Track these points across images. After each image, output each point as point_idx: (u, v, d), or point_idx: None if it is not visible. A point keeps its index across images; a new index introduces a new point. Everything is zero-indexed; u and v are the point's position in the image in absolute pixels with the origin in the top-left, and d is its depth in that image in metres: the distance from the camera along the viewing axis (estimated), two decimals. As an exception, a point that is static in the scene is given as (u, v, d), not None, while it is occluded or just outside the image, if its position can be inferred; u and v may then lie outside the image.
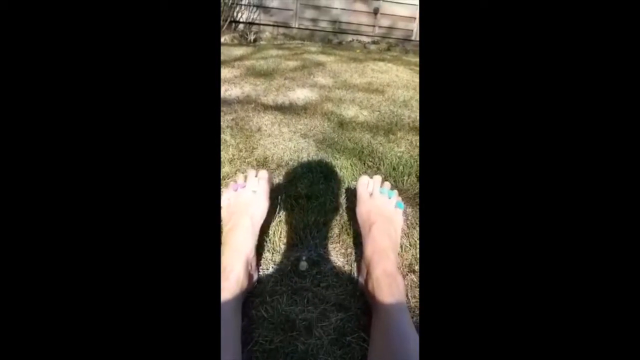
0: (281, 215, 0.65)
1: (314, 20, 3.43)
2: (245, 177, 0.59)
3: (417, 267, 0.56)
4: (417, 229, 0.65)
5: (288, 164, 0.85)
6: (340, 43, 3.42)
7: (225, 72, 1.63)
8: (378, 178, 0.60)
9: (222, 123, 1.06)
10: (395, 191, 0.59)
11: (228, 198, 0.56)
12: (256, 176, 0.58)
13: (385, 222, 0.53)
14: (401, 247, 0.59)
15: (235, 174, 0.76)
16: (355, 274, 0.54)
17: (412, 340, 0.38)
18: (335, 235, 0.62)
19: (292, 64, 1.95)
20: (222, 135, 0.97)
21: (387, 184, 0.60)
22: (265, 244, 0.59)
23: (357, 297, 0.50)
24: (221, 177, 0.77)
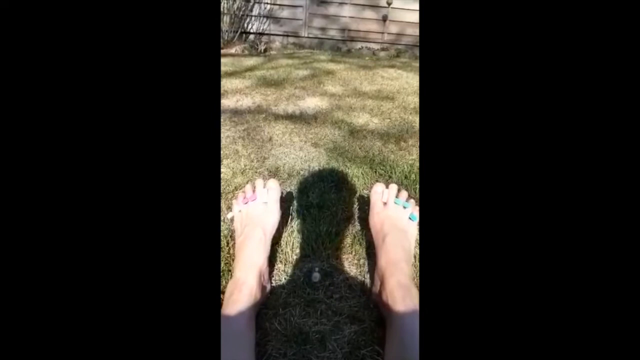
0: (293, 226, 0.65)
1: (323, 29, 3.46)
2: (254, 188, 0.58)
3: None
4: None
5: (299, 173, 0.86)
6: (349, 51, 3.44)
7: (236, 83, 1.66)
8: (394, 187, 0.59)
9: (233, 133, 1.07)
10: (412, 201, 0.58)
11: (239, 210, 0.56)
12: (264, 186, 0.58)
13: (398, 233, 0.53)
14: (415, 258, 0.59)
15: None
16: (369, 285, 0.53)
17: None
18: (347, 245, 0.62)
19: (302, 73, 1.97)
20: (234, 146, 0.98)
21: (404, 194, 0.58)
22: (277, 255, 0.59)
23: (370, 309, 0.49)
24: (233, 188, 0.77)
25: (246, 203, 0.56)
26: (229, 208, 0.61)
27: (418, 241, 0.62)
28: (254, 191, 0.58)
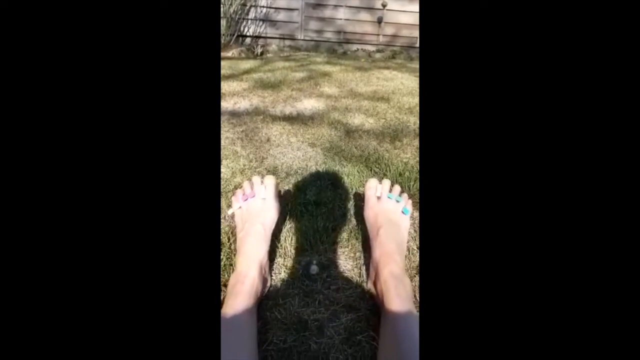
0: (291, 222, 0.68)
1: (319, 31, 3.49)
2: (252, 185, 0.60)
3: (424, 269, 0.57)
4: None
5: (297, 172, 0.88)
6: (345, 53, 3.47)
7: (234, 86, 1.68)
8: (387, 182, 0.61)
9: (232, 135, 1.09)
10: (405, 195, 0.61)
11: (239, 207, 0.58)
12: (262, 183, 0.60)
13: (392, 226, 0.55)
14: (409, 250, 0.61)
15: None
16: (365, 277, 0.56)
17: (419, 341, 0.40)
18: (344, 239, 0.64)
19: (298, 75, 2.00)
20: (233, 147, 1.01)
21: (397, 189, 0.61)
22: (277, 249, 0.61)
23: (366, 298, 0.52)
24: (233, 187, 0.80)
25: (245, 200, 0.58)
26: (229, 206, 0.63)
27: (411, 234, 0.65)
28: (252, 188, 0.60)
